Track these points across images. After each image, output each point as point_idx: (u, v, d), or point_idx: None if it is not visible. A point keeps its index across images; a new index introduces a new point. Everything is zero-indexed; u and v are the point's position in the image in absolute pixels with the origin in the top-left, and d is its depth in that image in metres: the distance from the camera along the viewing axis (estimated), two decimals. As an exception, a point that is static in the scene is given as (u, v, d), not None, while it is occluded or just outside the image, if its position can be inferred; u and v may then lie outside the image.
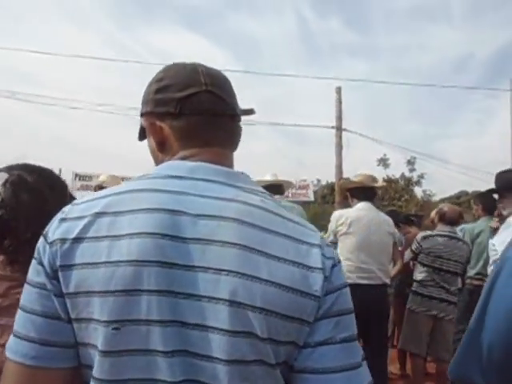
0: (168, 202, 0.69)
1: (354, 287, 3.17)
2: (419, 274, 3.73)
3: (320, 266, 0.70)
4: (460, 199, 28.10)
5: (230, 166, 0.81)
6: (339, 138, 16.04)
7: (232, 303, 0.65)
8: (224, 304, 0.65)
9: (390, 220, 3.37)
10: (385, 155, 21.82)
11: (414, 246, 3.72)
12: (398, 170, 24.78)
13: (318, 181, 26.48)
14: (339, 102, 16.16)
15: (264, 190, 0.79)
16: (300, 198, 15.03)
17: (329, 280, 0.71)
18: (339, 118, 16.19)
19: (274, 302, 0.66)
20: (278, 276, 0.67)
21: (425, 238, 3.74)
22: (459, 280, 3.85)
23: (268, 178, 4.03)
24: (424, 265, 3.69)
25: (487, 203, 4.19)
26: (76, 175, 14.28)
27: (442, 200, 19.87)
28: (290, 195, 14.84)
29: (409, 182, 21.00)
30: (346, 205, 3.91)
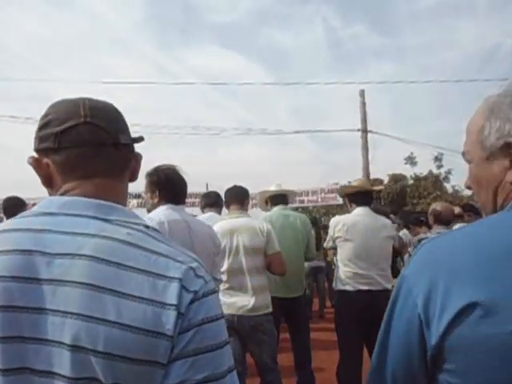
0: (25, 242, 0.69)
1: (355, 293, 3.22)
2: None
3: (175, 302, 0.66)
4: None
5: (114, 196, 0.80)
6: (365, 140, 15.90)
7: (74, 348, 0.63)
8: (67, 349, 0.63)
9: (388, 224, 3.34)
10: (412, 153, 21.40)
11: (410, 250, 3.64)
12: (425, 167, 24.17)
13: (349, 183, 26.08)
14: (363, 104, 16.04)
15: (139, 221, 0.77)
16: (329, 201, 14.87)
17: (184, 317, 0.66)
18: (364, 120, 16.07)
19: (120, 345, 0.63)
20: (128, 316, 0.64)
21: (420, 241, 3.62)
22: None
23: (273, 188, 4.06)
24: None
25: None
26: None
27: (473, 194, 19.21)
28: (319, 199, 14.76)
29: (436, 179, 20.45)
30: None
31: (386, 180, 25.47)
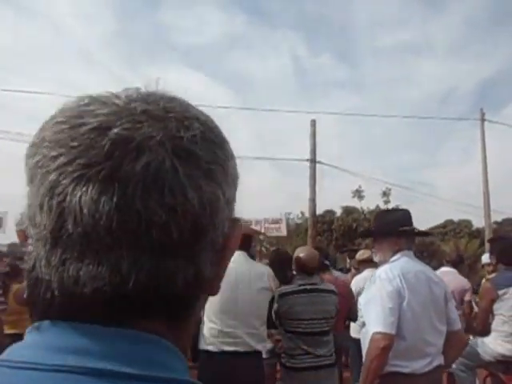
0: None
1: (218, 355, 2.73)
2: (285, 342, 3.13)
3: None
4: (446, 228, 27.75)
5: None
6: (313, 170, 15.73)
7: None
8: None
9: (266, 272, 2.92)
10: (360, 187, 21.56)
11: (274, 307, 3.10)
12: (372, 201, 24.49)
13: (302, 214, 26.07)
14: (313, 135, 15.94)
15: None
16: (273, 232, 14.52)
17: None
18: (313, 150, 15.93)
19: None
20: None
21: (281, 295, 3.08)
22: (331, 337, 3.16)
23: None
24: (287, 331, 3.10)
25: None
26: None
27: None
28: (262, 229, 14.38)
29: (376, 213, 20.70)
30: None
31: (338, 212, 25.62)
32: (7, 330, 3.47)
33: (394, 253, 2.35)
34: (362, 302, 2.26)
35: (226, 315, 2.72)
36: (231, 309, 2.72)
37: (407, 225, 2.37)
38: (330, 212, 25.28)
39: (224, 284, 2.38)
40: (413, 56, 56.49)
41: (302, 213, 26.12)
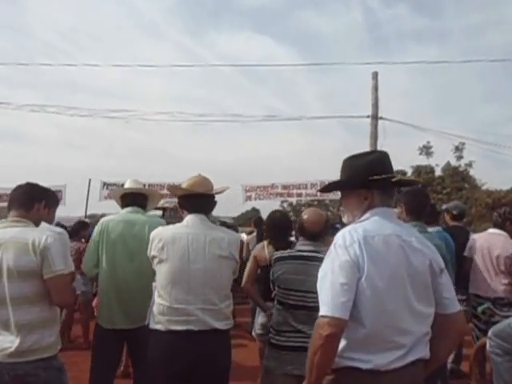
0: None
1: (166, 336, 2.23)
2: (274, 315, 2.68)
3: None
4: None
5: None
6: (374, 127, 14.57)
7: None
8: None
9: (228, 238, 2.41)
10: (428, 142, 19.63)
11: (270, 274, 2.71)
12: (443, 158, 22.14)
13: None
14: (375, 88, 14.67)
15: None
16: (330, 196, 13.78)
17: None
18: (375, 105, 14.70)
19: None
20: None
21: (276, 260, 2.70)
22: None
23: (127, 184, 3.26)
24: (279, 302, 2.66)
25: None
26: (104, 184, 14.31)
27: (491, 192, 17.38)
28: (318, 194, 13.73)
29: (453, 172, 18.67)
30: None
31: (409, 172, 23.84)
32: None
33: (365, 210, 1.75)
34: (319, 276, 1.71)
35: (175, 289, 2.28)
36: (181, 281, 2.28)
37: (382, 172, 1.74)
38: (400, 172, 23.59)
39: (173, 251, 2.52)
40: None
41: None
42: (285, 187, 13.28)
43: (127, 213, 3.04)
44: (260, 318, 3.59)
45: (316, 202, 25.22)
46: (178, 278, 2.29)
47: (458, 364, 4.51)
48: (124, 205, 3.10)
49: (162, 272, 2.33)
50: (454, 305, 1.70)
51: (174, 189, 2.68)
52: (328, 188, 1.89)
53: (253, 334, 3.77)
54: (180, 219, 2.51)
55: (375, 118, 14.69)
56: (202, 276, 2.30)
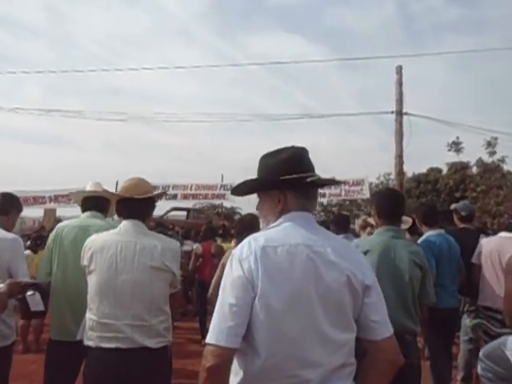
0: None
1: (97, 353, 2.03)
2: None
3: None
4: None
5: None
6: (399, 123, 13.94)
7: None
8: None
9: (162, 246, 2.18)
10: (457, 138, 18.69)
11: None
12: (473, 155, 21.08)
13: (405, 173, 23.76)
14: (399, 83, 14.08)
15: None
16: (354, 195, 13.32)
17: None
18: (399, 100, 14.11)
19: None
20: None
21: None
22: None
23: (88, 188, 3.09)
24: None
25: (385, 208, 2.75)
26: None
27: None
28: (342, 193, 13.30)
29: (485, 168, 17.60)
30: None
31: (444, 170, 22.77)
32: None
33: (279, 215, 1.47)
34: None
35: (102, 303, 2.08)
36: (108, 294, 2.07)
37: (297, 171, 1.45)
38: (435, 170, 22.59)
39: (100, 261, 2.24)
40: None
41: (404, 172, 23.86)
42: (307, 186, 12.94)
43: (85, 218, 2.88)
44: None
45: (348, 202, 24.64)
46: (105, 291, 2.09)
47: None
48: (84, 209, 2.94)
49: (90, 284, 2.15)
50: (383, 329, 1.40)
51: (108, 194, 2.48)
52: (237, 190, 1.60)
53: None
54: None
55: (400, 113, 14.09)
56: (129, 289, 2.08)
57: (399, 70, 14.02)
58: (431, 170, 22.31)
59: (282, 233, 1.39)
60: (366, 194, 13.15)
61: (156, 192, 2.35)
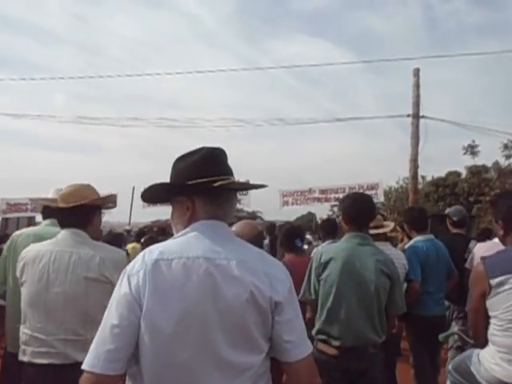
0: None
1: (31, 369, 1.97)
2: None
3: None
4: None
5: None
6: (416, 126, 13.61)
7: None
8: None
9: (101, 256, 2.08)
10: (473, 141, 18.24)
11: None
12: (490, 158, 20.63)
13: (423, 178, 23.26)
14: (416, 86, 13.76)
15: None
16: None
17: None
18: (416, 103, 13.79)
19: None
20: None
21: None
22: None
23: (50, 195, 3.03)
24: None
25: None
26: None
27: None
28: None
29: (500, 172, 17.05)
30: None
31: (463, 174, 22.16)
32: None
33: (187, 224, 1.35)
34: None
35: (33, 316, 2.00)
36: (38, 307, 2.00)
37: (206, 175, 1.33)
38: (454, 174, 22.00)
39: (32, 273, 2.15)
40: None
41: (423, 176, 23.31)
42: (322, 192, 12.85)
43: (43, 226, 2.82)
44: None
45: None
46: (36, 304, 2.02)
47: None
48: (44, 217, 2.88)
49: (22, 296, 2.08)
50: (297, 351, 1.26)
51: (47, 202, 2.40)
52: (145, 196, 1.48)
53: None
54: None
55: (416, 116, 13.77)
56: (61, 301, 2.00)
57: (416, 72, 13.72)
58: (450, 173, 21.78)
59: (182, 244, 1.26)
60: (381, 199, 12.86)
61: (100, 197, 2.24)
